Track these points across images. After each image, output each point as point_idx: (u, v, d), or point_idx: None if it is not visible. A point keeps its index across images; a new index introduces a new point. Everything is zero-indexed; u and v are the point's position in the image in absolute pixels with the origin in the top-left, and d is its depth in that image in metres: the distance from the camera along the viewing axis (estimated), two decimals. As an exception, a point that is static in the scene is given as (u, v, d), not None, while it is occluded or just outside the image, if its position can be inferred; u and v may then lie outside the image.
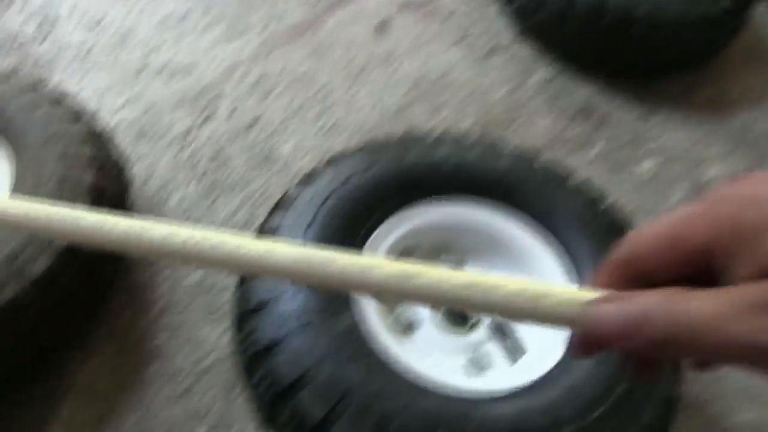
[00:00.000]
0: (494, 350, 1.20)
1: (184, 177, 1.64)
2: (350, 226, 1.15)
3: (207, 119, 1.78)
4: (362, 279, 0.54)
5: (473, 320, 1.22)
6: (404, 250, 1.25)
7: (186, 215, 1.57)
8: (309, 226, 1.13)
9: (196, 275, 1.47)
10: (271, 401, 1.01)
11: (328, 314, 1.03)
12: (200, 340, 1.37)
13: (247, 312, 1.09)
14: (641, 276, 0.47)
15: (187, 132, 1.75)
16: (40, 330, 1.21)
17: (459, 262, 1.28)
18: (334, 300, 1.05)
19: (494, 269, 1.27)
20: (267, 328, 1.03)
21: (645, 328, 0.41)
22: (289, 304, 1.04)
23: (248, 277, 1.12)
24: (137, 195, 1.59)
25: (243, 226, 1.55)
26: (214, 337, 1.37)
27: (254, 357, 1.04)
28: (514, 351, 1.19)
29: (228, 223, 1.55)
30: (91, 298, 1.34)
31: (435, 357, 1.17)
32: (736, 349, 0.39)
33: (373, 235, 1.17)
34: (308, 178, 1.23)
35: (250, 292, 1.09)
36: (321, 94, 1.84)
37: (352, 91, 1.83)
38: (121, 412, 1.28)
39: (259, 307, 1.06)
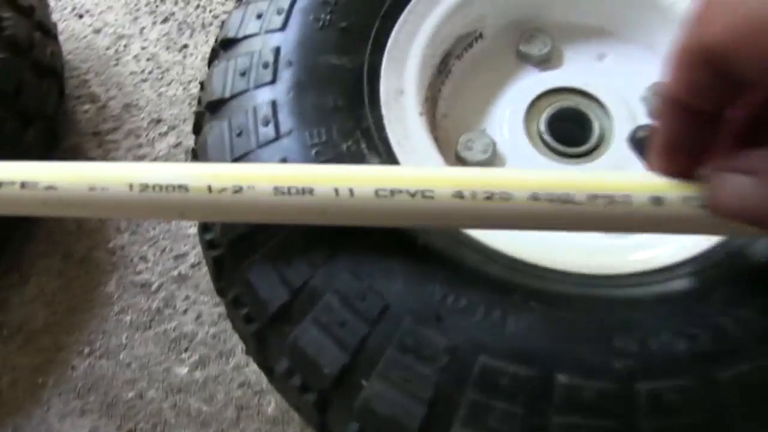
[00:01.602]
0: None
1: (145, 22, 1.18)
2: (358, 13, 0.67)
3: (171, -52, 1.29)
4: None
5: (593, 136, 0.72)
6: (457, 41, 0.76)
7: (149, 66, 1.11)
8: (281, 28, 0.66)
9: (164, 143, 1.01)
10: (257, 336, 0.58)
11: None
12: (174, 235, 0.93)
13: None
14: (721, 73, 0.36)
15: (146, -33, 1.27)
16: None
17: (548, 56, 0.78)
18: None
19: (623, 61, 0.77)
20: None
21: None
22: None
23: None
24: (85, 54, 1.13)
25: None
26: (191, 228, 0.92)
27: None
28: None
29: (202, 67, 1.08)
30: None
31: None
32: None
33: (397, 25, 0.69)
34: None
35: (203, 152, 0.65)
36: None
37: None
38: (70, 359, 0.86)
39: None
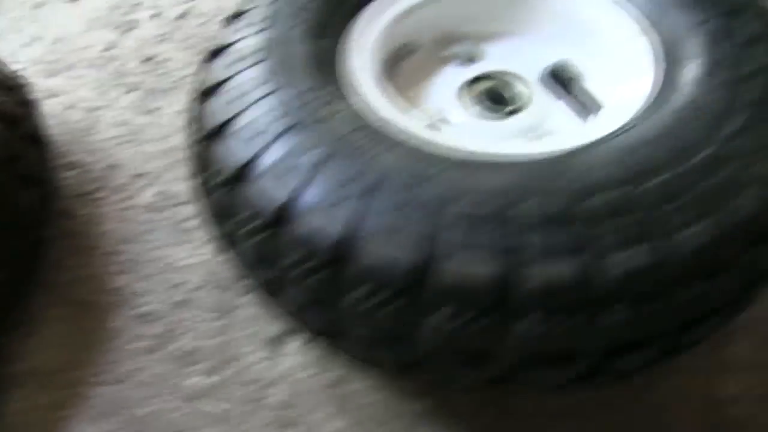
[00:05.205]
0: (558, 116, 0.88)
1: (115, 93, 1.29)
2: (318, 22, 0.80)
3: (128, 29, 1.43)
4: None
5: (516, 101, 0.89)
6: (399, 49, 0.90)
7: (124, 130, 1.22)
8: (262, 30, 0.79)
9: (148, 192, 1.12)
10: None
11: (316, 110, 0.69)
12: (171, 268, 1.02)
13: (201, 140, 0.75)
14: None
15: (108, 47, 1.39)
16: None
17: (473, 54, 0.93)
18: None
19: (529, 52, 0.92)
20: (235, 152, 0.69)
21: None
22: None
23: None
24: (60, 128, 1.24)
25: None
26: (187, 259, 1.02)
27: (223, 196, 0.71)
28: (586, 108, 0.87)
29: (175, 123, 1.20)
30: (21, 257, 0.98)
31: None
32: None
33: (348, 32, 0.83)
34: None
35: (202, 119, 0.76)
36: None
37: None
38: (86, 390, 0.94)
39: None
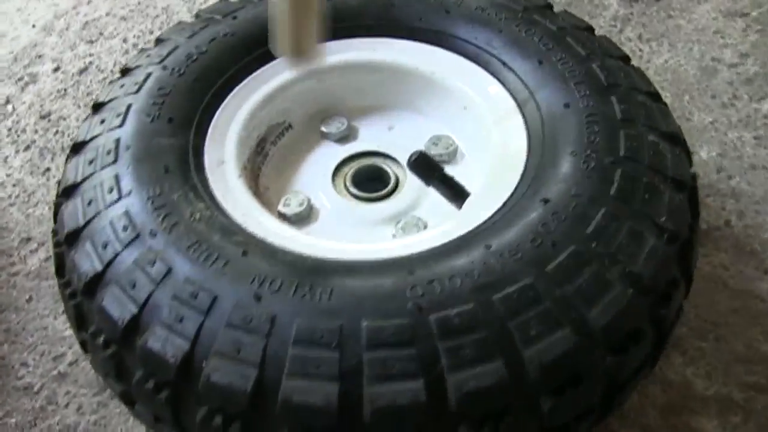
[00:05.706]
0: (430, 202, 0.87)
1: (8, 151, 1.28)
2: (178, 115, 0.81)
3: (29, 83, 1.41)
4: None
5: (388, 184, 0.89)
6: (270, 130, 0.91)
7: (15, 191, 1.21)
8: (120, 125, 0.79)
9: (35, 258, 1.11)
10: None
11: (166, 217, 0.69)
12: (51, 338, 1.01)
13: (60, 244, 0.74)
14: None
15: (5, 103, 1.38)
16: None
17: (349, 132, 0.94)
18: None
19: (399, 127, 0.95)
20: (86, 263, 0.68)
21: None
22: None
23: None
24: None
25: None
26: (69, 329, 1.01)
27: (77, 306, 0.70)
28: (456, 194, 0.85)
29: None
30: None
31: (353, 235, 0.84)
32: None
33: (216, 116, 0.84)
34: (125, 70, 0.89)
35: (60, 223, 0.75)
36: (161, 20, 1.49)
37: (195, 8, 1.49)
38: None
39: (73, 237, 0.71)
